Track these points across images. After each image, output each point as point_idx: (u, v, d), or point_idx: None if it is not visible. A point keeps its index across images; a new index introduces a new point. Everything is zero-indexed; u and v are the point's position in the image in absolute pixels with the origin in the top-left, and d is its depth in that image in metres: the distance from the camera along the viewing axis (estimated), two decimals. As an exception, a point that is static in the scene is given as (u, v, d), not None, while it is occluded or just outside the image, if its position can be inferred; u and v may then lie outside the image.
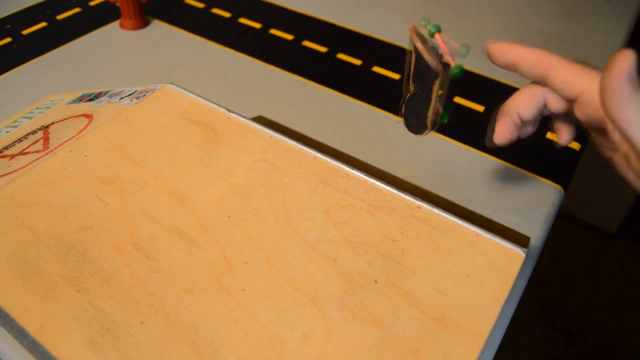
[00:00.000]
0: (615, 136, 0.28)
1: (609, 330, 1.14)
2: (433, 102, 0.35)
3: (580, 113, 0.31)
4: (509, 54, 0.32)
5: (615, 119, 0.26)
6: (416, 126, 0.38)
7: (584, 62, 0.30)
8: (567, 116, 0.34)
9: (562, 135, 0.35)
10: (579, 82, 0.29)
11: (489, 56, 0.33)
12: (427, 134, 0.37)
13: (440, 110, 0.36)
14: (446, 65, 0.33)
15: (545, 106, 0.33)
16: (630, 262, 1.28)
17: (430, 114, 0.36)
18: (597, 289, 1.22)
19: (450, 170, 0.45)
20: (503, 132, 0.34)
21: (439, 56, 0.33)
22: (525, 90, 0.33)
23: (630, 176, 0.30)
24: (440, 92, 0.34)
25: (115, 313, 0.28)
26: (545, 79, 0.31)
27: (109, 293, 0.29)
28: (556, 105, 0.32)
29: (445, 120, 0.36)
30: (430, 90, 0.35)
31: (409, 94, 0.37)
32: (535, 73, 0.31)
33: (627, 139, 0.26)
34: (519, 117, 0.34)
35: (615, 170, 0.32)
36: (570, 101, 0.31)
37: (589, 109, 0.29)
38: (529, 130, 0.35)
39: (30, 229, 0.32)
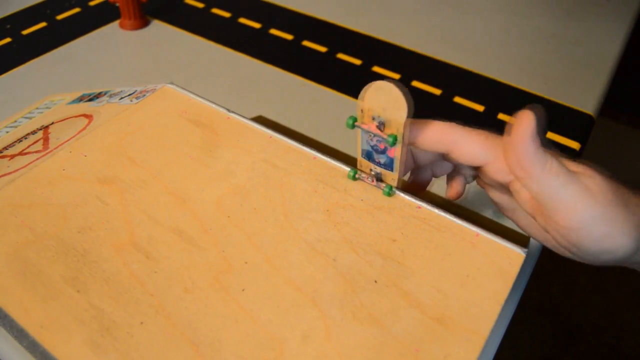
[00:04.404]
0: (520, 196, 0.30)
1: (609, 330, 1.14)
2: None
3: (486, 178, 0.31)
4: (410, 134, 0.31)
5: (522, 177, 0.27)
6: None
7: (483, 131, 0.30)
8: (461, 173, 0.34)
9: (452, 191, 0.34)
10: (482, 156, 0.30)
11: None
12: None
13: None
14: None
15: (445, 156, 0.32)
16: (630, 262, 1.28)
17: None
18: (597, 289, 1.22)
19: (450, 170, 0.45)
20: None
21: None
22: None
23: (533, 232, 0.32)
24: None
25: (115, 313, 0.28)
26: (448, 154, 0.31)
27: (109, 293, 0.29)
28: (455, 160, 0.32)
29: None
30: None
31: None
32: (439, 149, 0.31)
33: (533, 195, 0.28)
34: (411, 156, 0.33)
35: (518, 226, 0.33)
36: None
37: (493, 176, 0.30)
38: (423, 179, 0.35)
39: (30, 229, 0.32)
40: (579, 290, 1.22)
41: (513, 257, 0.31)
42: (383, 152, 0.32)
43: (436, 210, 0.34)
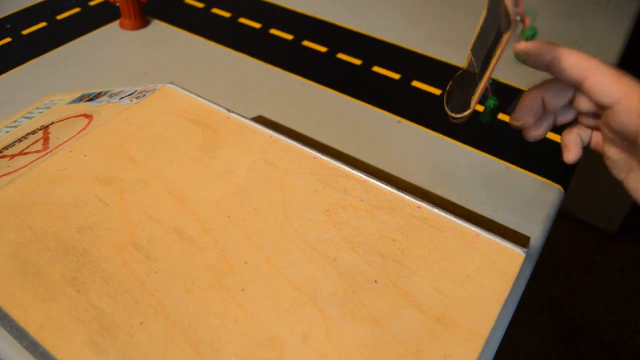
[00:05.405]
0: None
1: (609, 329, 1.14)
2: (492, 64, 0.32)
3: (613, 121, 0.30)
4: (546, 55, 0.31)
5: None
6: (457, 105, 0.35)
7: (620, 69, 0.30)
8: (577, 133, 0.35)
9: (571, 151, 0.35)
10: (618, 89, 0.29)
11: (527, 57, 0.32)
12: (466, 116, 0.34)
13: (489, 89, 0.33)
14: (518, 23, 0.30)
15: (570, 103, 0.33)
16: (630, 262, 1.28)
17: (481, 86, 0.33)
18: (597, 289, 1.22)
19: (450, 170, 0.45)
20: (525, 111, 0.34)
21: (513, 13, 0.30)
22: (556, 80, 0.33)
23: None
24: (495, 58, 0.31)
25: (115, 313, 0.28)
26: (581, 83, 0.31)
27: (109, 293, 0.29)
28: (585, 104, 0.32)
29: (492, 106, 0.34)
30: (488, 57, 0.32)
31: (459, 71, 0.35)
32: (572, 76, 0.31)
33: None
34: (541, 101, 0.33)
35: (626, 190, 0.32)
36: (602, 108, 0.31)
37: (624, 117, 0.29)
38: (540, 131, 0.35)
39: (30, 229, 0.32)
40: (579, 290, 1.22)
41: (513, 257, 0.31)
42: None
43: (436, 210, 0.34)
